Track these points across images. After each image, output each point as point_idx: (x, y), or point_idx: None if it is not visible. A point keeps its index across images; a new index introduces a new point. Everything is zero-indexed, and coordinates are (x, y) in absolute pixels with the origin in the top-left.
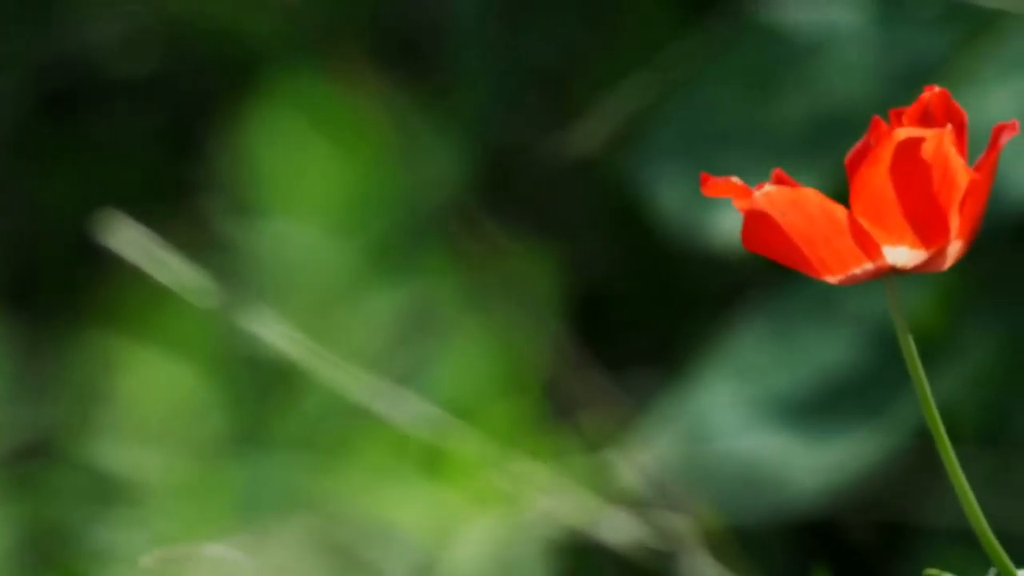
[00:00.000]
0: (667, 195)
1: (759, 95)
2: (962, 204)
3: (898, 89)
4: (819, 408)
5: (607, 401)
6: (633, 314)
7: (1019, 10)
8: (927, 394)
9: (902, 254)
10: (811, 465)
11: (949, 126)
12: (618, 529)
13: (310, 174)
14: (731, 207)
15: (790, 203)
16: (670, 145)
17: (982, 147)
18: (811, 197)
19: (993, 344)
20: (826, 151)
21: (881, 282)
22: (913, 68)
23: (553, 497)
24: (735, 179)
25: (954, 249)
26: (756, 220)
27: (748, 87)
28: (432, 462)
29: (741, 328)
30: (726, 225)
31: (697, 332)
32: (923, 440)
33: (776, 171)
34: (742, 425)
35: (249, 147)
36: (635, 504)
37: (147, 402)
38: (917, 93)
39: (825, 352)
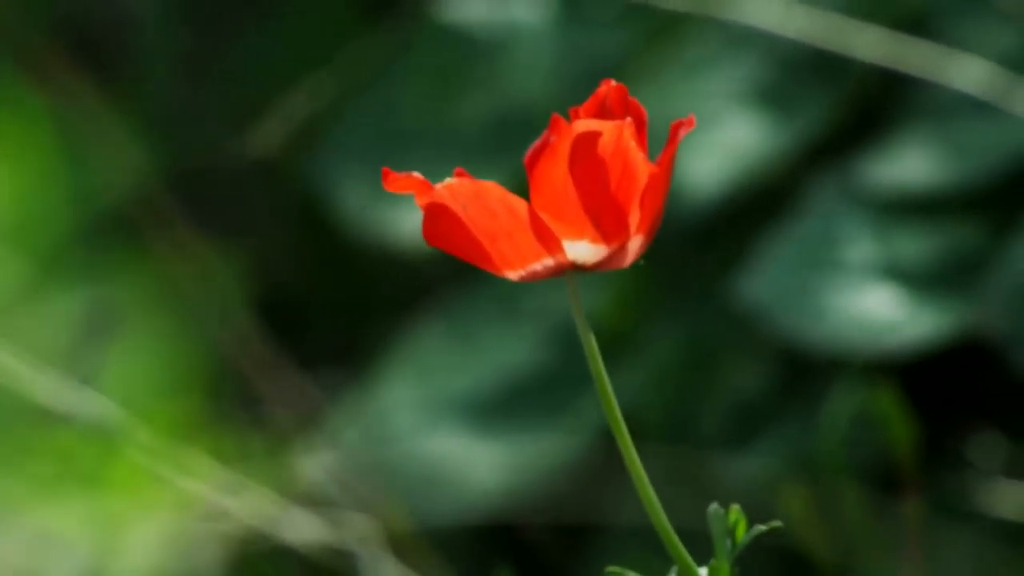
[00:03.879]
0: (350, 196)
1: (441, 95)
2: (642, 199)
3: (580, 89)
4: (502, 408)
5: (292, 401)
6: (320, 314)
7: (699, 11)
8: (608, 392)
9: (583, 249)
10: (494, 465)
11: (629, 119)
12: (300, 529)
13: None
14: (415, 207)
15: (471, 195)
16: (352, 145)
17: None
18: (492, 190)
19: (674, 343)
20: (509, 150)
21: (563, 281)
22: (595, 68)
23: (233, 496)
24: (416, 174)
25: (635, 245)
26: (437, 214)
27: (430, 87)
28: (106, 463)
29: (423, 328)
30: (410, 225)
31: (382, 332)
32: (608, 439)
33: (457, 170)
34: (423, 425)
35: None
36: (318, 503)
37: None
38: None
39: (507, 352)
